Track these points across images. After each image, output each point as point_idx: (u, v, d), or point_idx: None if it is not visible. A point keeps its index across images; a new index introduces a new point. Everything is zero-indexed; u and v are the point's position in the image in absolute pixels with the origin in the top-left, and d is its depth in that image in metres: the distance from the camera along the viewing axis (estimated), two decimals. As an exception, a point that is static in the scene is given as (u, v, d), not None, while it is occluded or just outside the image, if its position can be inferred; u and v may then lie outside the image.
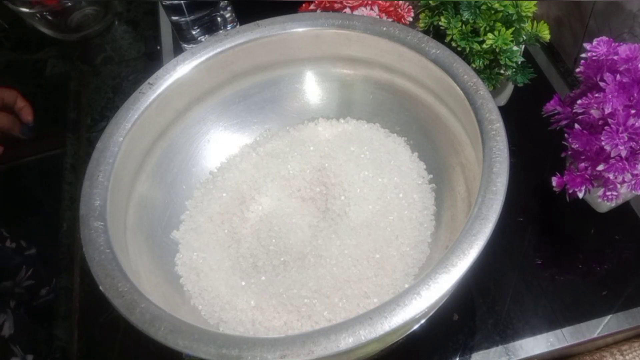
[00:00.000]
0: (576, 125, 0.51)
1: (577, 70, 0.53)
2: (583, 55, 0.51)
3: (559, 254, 0.59)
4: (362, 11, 0.59)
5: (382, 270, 0.48)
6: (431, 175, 0.54)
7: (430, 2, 0.58)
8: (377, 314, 0.36)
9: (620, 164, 0.48)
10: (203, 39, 0.61)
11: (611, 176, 0.48)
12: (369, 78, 0.57)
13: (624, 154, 0.47)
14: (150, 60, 0.82)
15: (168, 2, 0.60)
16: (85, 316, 0.58)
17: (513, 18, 0.55)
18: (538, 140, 0.64)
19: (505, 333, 0.53)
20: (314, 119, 0.59)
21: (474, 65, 0.57)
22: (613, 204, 0.56)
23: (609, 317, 0.53)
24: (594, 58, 0.50)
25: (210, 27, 0.63)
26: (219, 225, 0.53)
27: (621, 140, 0.47)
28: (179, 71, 0.52)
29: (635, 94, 0.48)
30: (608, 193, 0.51)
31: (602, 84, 0.49)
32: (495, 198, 0.40)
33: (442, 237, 0.50)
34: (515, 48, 0.56)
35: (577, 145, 0.50)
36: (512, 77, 0.61)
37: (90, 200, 0.44)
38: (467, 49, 0.57)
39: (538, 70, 0.72)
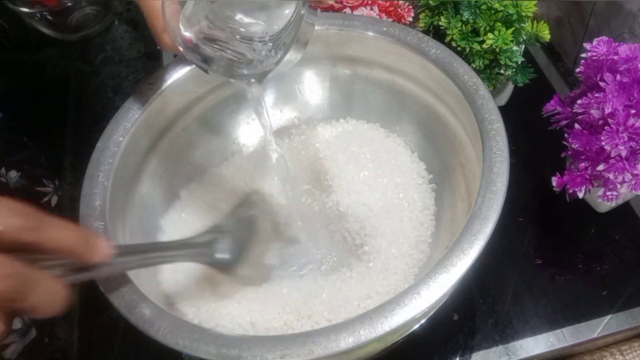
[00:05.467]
0: (576, 125, 0.51)
1: (577, 70, 0.53)
2: (583, 55, 0.51)
3: (559, 254, 0.59)
4: (362, 11, 0.59)
5: (382, 271, 0.48)
6: (431, 175, 0.54)
7: (430, 2, 0.58)
8: (377, 314, 0.36)
9: (620, 164, 0.48)
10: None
11: (611, 176, 0.48)
12: (369, 78, 0.57)
13: (624, 154, 0.47)
14: (150, 60, 0.82)
15: None
16: (85, 316, 0.58)
17: (513, 18, 0.55)
18: (538, 140, 0.64)
19: (505, 333, 0.53)
20: (314, 119, 0.59)
21: (474, 65, 0.57)
22: (613, 204, 0.56)
23: (609, 317, 0.53)
24: (594, 58, 0.50)
25: None
26: (219, 225, 0.53)
27: (621, 140, 0.47)
28: (179, 71, 0.52)
29: (635, 94, 0.48)
30: (608, 193, 0.51)
31: (602, 84, 0.49)
32: (495, 198, 0.40)
33: (442, 237, 0.50)
34: (515, 48, 0.56)
35: (577, 145, 0.50)
36: (512, 77, 0.61)
37: (90, 200, 0.44)
38: (467, 49, 0.57)
39: (538, 70, 0.71)
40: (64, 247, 0.30)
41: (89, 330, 0.57)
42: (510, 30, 0.55)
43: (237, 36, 0.38)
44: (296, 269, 0.49)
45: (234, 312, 0.47)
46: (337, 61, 0.57)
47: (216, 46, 0.40)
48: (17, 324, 0.50)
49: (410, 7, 0.61)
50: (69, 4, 0.81)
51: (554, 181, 0.53)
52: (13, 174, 0.62)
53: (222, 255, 0.43)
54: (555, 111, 0.55)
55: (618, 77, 0.49)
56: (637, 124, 0.47)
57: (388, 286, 0.47)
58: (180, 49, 0.40)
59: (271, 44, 0.38)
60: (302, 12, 0.39)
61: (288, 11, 0.39)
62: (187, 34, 0.39)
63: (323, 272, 0.49)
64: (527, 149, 0.64)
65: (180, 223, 0.53)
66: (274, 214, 0.51)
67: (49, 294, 0.29)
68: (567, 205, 0.54)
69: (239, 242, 0.44)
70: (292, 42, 0.40)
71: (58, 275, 0.30)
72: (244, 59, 0.39)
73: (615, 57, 0.49)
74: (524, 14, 0.55)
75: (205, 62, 0.40)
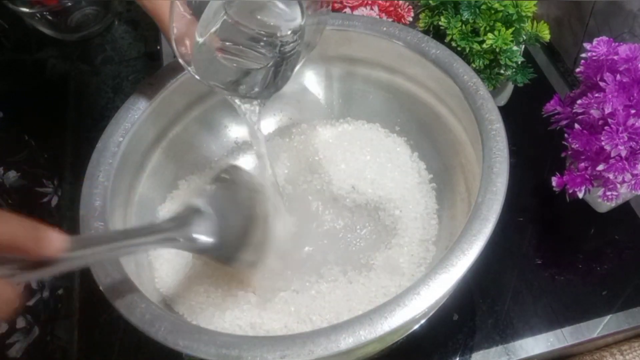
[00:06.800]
0: (576, 125, 0.51)
1: (577, 70, 0.53)
2: (583, 55, 0.51)
3: (559, 254, 0.58)
4: (362, 11, 0.59)
5: (384, 271, 0.48)
6: (431, 175, 0.54)
7: (430, 2, 0.58)
8: (377, 314, 0.36)
9: (620, 164, 0.48)
10: None
11: (611, 176, 0.48)
12: (369, 78, 0.57)
13: (624, 154, 0.47)
14: (150, 60, 0.82)
15: None
16: (85, 316, 0.58)
17: (513, 18, 0.55)
18: (538, 140, 0.64)
19: (505, 333, 0.53)
20: (314, 119, 0.59)
21: (474, 65, 0.57)
22: (613, 204, 0.56)
23: (609, 317, 0.53)
24: (594, 58, 0.50)
25: None
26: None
27: (621, 140, 0.47)
28: (179, 71, 0.52)
29: (635, 94, 0.48)
30: (608, 193, 0.51)
31: (602, 84, 0.49)
32: (495, 198, 0.40)
33: (442, 237, 0.50)
34: (515, 48, 0.56)
35: (577, 145, 0.50)
36: (512, 77, 0.61)
37: (90, 200, 0.44)
38: (467, 49, 0.57)
39: (538, 70, 0.71)
40: (10, 243, 0.26)
41: (89, 331, 0.57)
42: (510, 30, 0.55)
43: (262, 31, 0.38)
44: (298, 271, 0.49)
45: (234, 314, 0.47)
46: (337, 61, 0.57)
47: (234, 53, 0.39)
48: (20, 322, 0.50)
49: (410, 7, 0.61)
50: (69, 4, 0.81)
51: (554, 181, 0.53)
52: (12, 174, 0.62)
53: (202, 237, 0.37)
54: (555, 111, 0.55)
55: (618, 77, 0.49)
56: (637, 124, 0.47)
57: (392, 287, 0.47)
58: (190, 71, 0.40)
59: (296, 38, 0.38)
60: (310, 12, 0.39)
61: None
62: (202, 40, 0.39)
63: (324, 275, 0.49)
64: (527, 149, 0.64)
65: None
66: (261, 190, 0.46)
67: None
68: (567, 205, 0.54)
69: (225, 222, 0.38)
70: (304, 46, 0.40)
71: (6, 275, 0.27)
72: (261, 63, 0.39)
73: (615, 57, 0.49)
74: (524, 14, 0.55)
75: (218, 80, 0.40)
